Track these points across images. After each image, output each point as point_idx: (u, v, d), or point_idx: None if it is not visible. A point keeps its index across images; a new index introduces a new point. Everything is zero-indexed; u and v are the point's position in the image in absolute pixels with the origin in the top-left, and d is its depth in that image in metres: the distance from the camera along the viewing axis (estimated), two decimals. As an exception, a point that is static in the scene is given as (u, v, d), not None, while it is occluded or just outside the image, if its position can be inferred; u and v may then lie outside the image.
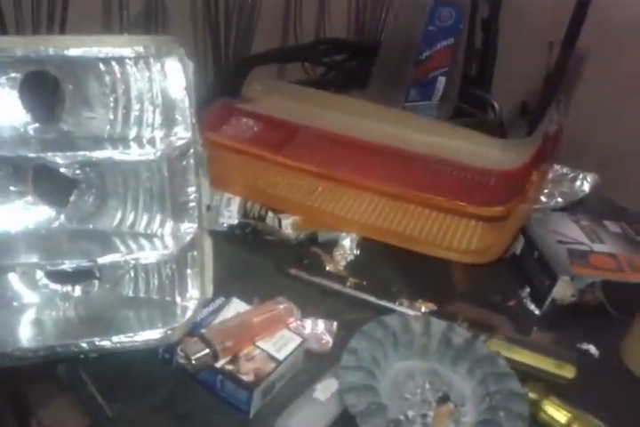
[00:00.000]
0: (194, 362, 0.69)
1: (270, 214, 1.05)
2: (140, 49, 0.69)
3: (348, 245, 1.02)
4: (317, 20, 2.01)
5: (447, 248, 0.94)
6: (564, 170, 1.16)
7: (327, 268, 0.98)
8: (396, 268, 1.01)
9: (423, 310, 0.90)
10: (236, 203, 1.04)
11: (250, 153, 1.07)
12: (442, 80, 1.46)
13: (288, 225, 1.04)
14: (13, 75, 0.72)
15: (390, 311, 0.88)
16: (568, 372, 0.81)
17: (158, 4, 1.54)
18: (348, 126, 1.20)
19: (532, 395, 0.76)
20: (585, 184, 1.16)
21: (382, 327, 0.81)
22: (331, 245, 1.02)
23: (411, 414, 0.74)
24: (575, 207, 1.14)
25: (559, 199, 1.14)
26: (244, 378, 0.70)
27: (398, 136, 1.19)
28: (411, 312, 0.88)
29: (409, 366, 0.81)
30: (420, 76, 1.44)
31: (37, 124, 0.74)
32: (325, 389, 0.73)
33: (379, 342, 0.79)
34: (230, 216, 1.03)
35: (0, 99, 0.72)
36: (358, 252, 1.02)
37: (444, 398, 0.77)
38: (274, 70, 1.90)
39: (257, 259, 1.00)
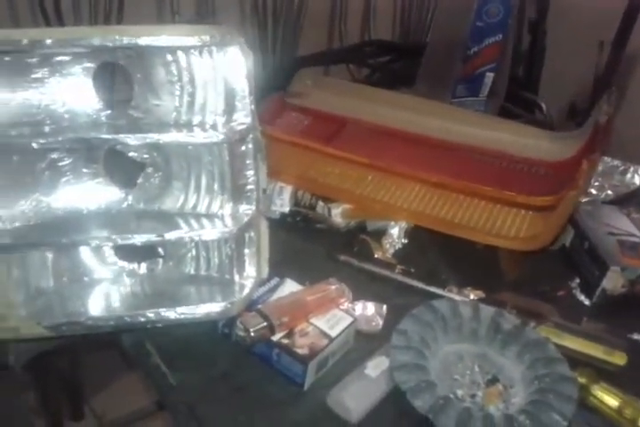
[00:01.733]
0: (252, 334, 0.72)
1: (320, 203, 1.08)
2: (205, 38, 0.73)
3: (396, 233, 1.04)
4: (362, 22, 2.04)
5: (496, 235, 0.95)
6: (615, 162, 1.15)
7: (375, 255, 1.01)
8: (444, 256, 1.03)
9: (472, 297, 0.92)
10: (287, 192, 1.08)
11: (301, 145, 1.10)
12: (490, 76, 1.46)
13: (337, 214, 1.07)
14: (88, 64, 0.77)
15: (438, 297, 0.90)
16: (619, 359, 0.81)
17: (209, 6, 1.60)
18: (395, 119, 1.22)
19: (581, 380, 0.76)
20: (636, 177, 1.15)
21: (431, 311, 0.83)
22: (379, 234, 1.04)
23: (460, 393, 0.75)
24: (626, 200, 1.13)
25: (609, 192, 1.13)
26: (300, 351, 0.73)
27: (446, 129, 1.21)
28: (459, 299, 0.90)
29: (458, 349, 0.83)
30: (467, 72, 1.45)
31: (109, 111, 0.79)
32: (376, 366, 0.76)
33: (428, 325, 0.82)
34: (282, 204, 1.07)
35: (75, 87, 0.77)
36: (406, 240, 1.04)
37: (493, 380, 0.78)
38: (319, 71, 1.94)
39: (308, 245, 1.03)
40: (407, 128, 1.20)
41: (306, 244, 1.03)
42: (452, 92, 1.47)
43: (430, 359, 0.78)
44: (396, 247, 1.03)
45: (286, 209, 1.07)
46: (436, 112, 1.27)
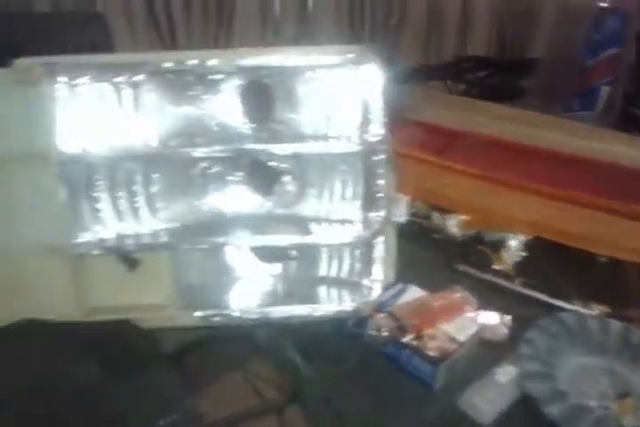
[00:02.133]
0: (384, 334, 0.76)
1: (436, 214, 1.11)
2: (345, 57, 0.79)
3: (514, 245, 1.04)
4: (458, 37, 2.06)
5: (622, 248, 0.93)
6: None
7: (494, 266, 1.02)
8: (564, 269, 1.01)
9: (596, 311, 0.90)
10: (404, 203, 1.11)
11: (419, 158, 1.13)
12: (605, 90, 1.43)
13: (453, 224, 1.10)
14: (236, 82, 0.85)
15: (561, 310, 0.90)
16: None
17: (309, 24, 1.69)
18: (510, 132, 1.22)
19: None
20: None
21: (558, 323, 0.84)
22: (496, 245, 1.05)
23: (592, 404, 0.75)
24: None
25: None
26: (430, 353, 0.75)
27: (561, 141, 1.20)
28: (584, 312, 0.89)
29: (585, 362, 0.82)
30: (582, 85, 1.44)
31: (253, 125, 0.86)
32: (505, 373, 0.77)
33: (555, 337, 0.82)
34: (399, 215, 1.10)
35: (225, 103, 0.85)
36: (525, 253, 1.04)
37: (624, 393, 0.77)
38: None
39: (425, 254, 1.05)
40: (522, 141, 1.20)
41: (423, 253, 1.06)
42: (565, 105, 1.45)
43: (558, 370, 0.78)
44: (515, 259, 1.03)
45: (403, 219, 1.10)
46: (550, 125, 1.26)
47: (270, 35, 1.67)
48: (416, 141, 1.25)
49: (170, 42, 1.59)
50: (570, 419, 0.70)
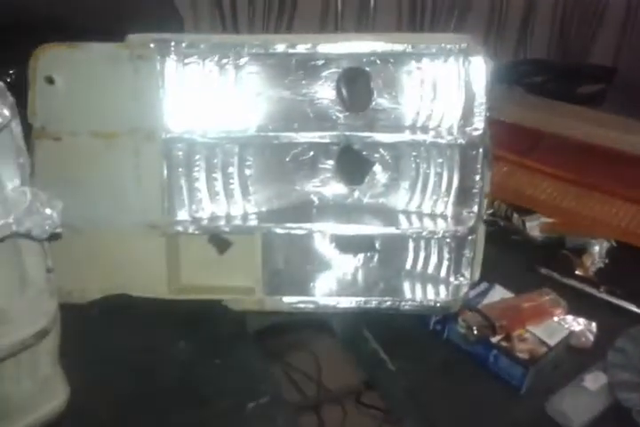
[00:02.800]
0: (475, 332, 0.75)
1: (515, 215, 1.09)
2: (452, 47, 0.77)
3: (597, 252, 1.01)
4: (518, 40, 2.02)
5: None
6: None
7: (577, 271, 0.99)
8: (650, 278, 0.98)
9: (687, 324, 0.87)
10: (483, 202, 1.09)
11: (501, 157, 1.11)
12: (694, 97, 1.38)
13: (533, 227, 1.07)
14: (335, 69, 0.84)
15: (649, 321, 0.87)
16: None
17: (369, 16, 1.68)
18: (593, 135, 1.19)
19: None
20: None
21: (649, 333, 0.81)
22: (578, 250, 1.03)
23: (688, 419, 0.72)
24: None
25: None
26: (520, 355, 0.74)
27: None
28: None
29: (678, 375, 0.79)
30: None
31: (348, 113, 0.86)
32: (594, 380, 0.75)
33: (646, 346, 0.79)
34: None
35: (322, 89, 0.85)
36: (608, 260, 1.01)
37: None
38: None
39: (505, 256, 1.03)
40: (607, 144, 1.16)
41: (503, 254, 1.03)
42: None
43: (650, 381, 0.76)
44: (598, 266, 1.00)
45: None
46: (635, 129, 1.22)
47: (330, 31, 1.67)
48: (499, 140, 1.23)
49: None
50: (666, 433, 0.67)
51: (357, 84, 0.86)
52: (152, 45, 0.74)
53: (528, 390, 0.75)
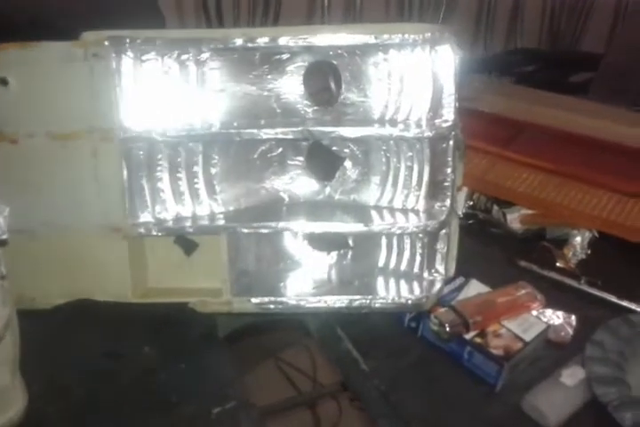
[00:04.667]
0: (448, 329, 0.73)
1: (495, 208, 1.07)
2: (419, 36, 0.74)
3: (579, 243, 0.99)
4: (509, 29, 2.00)
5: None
6: None
7: (557, 264, 0.97)
8: (632, 269, 0.97)
9: (668, 315, 0.85)
10: (462, 195, 1.07)
11: (480, 148, 1.09)
12: (678, 83, 1.36)
13: (513, 219, 1.05)
14: (301, 63, 0.82)
15: (629, 312, 0.85)
16: None
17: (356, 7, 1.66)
18: (576, 124, 1.17)
19: None
20: None
21: (629, 325, 0.79)
22: (559, 242, 1.01)
23: (667, 413, 0.70)
24: None
25: None
26: (494, 352, 0.72)
27: (631, 135, 1.14)
28: (655, 315, 0.84)
29: (658, 368, 0.77)
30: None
31: (316, 107, 0.84)
32: (572, 375, 0.73)
33: (625, 339, 0.78)
34: (457, 207, 1.06)
35: (288, 84, 0.83)
36: (589, 251, 0.99)
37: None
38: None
39: (484, 249, 1.01)
40: (591, 134, 1.14)
41: (482, 247, 1.02)
42: (633, 99, 1.38)
43: (629, 374, 0.74)
44: (579, 257, 0.99)
45: (461, 211, 1.06)
46: (620, 118, 1.20)
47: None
48: (478, 131, 1.21)
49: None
50: (644, 428, 0.66)
51: (324, 78, 0.84)
52: (107, 43, 0.71)
53: (504, 386, 0.73)
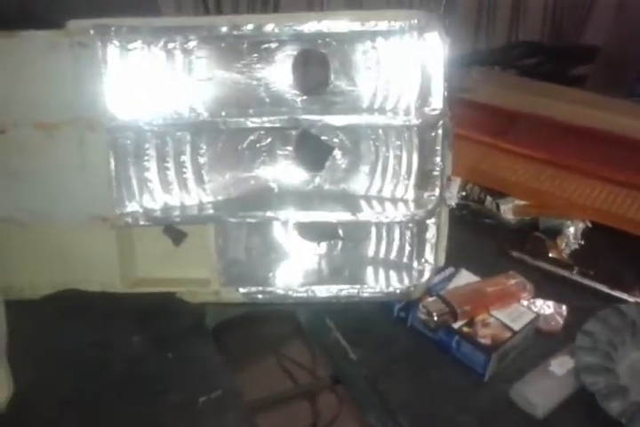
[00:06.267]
0: (435, 319, 0.73)
1: (489, 198, 1.06)
2: (407, 23, 0.73)
3: (572, 233, 0.99)
4: (510, 22, 1.98)
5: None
6: None
7: (550, 254, 0.97)
8: (624, 259, 0.96)
9: (660, 304, 0.85)
10: (455, 185, 1.06)
11: (474, 139, 1.08)
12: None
13: (507, 210, 1.05)
14: (290, 52, 0.82)
15: (621, 302, 0.85)
16: None
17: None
18: (572, 114, 1.16)
19: None
20: None
21: (619, 315, 0.79)
22: (552, 232, 1.00)
23: (654, 401, 0.70)
24: None
25: None
26: (482, 341, 0.72)
27: (626, 125, 1.13)
28: (646, 305, 0.83)
29: (648, 357, 0.77)
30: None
31: (305, 96, 0.83)
32: (561, 365, 0.73)
33: (615, 329, 0.77)
34: (450, 197, 1.05)
35: (277, 73, 0.82)
36: (583, 241, 0.98)
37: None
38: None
39: (476, 239, 1.01)
40: (585, 124, 1.13)
41: (475, 237, 1.01)
42: (630, 90, 1.37)
43: (618, 363, 0.74)
44: (572, 248, 0.98)
45: (454, 202, 1.06)
46: (614, 108, 1.19)
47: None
48: (474, 122, 1.20)
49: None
50: (632, 416, 0.65)
51: (313, 66, 0.84)
52: (92, 32, 0.71)
53: (492, 375, 0.73)
